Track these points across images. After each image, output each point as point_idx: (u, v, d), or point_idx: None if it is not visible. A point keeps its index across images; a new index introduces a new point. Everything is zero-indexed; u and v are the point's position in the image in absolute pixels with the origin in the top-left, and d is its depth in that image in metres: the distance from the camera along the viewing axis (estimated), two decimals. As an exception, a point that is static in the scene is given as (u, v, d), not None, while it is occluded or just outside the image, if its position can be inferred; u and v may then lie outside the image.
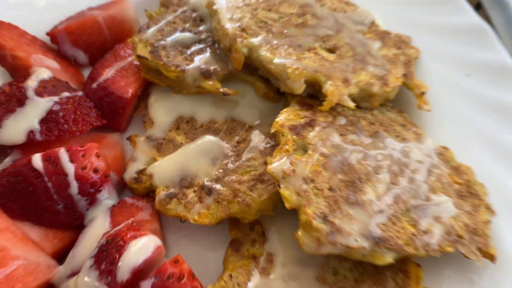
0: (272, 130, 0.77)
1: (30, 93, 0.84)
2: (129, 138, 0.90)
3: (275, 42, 0.87)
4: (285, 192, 0.68)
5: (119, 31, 1.01)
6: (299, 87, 0.81)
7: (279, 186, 0.69)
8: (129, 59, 0.95)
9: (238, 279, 0.73)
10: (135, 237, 0.72)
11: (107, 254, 0.70)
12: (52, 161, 0.77)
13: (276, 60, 0.83)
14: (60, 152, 0.77)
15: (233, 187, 0.78)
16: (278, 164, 0.70)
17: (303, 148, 0.74)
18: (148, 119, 0.91)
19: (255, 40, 0.86)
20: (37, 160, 0.76)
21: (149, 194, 0.84)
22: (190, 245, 0.83)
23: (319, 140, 0.75)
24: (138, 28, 1.03)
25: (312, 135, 0.75)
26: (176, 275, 0.69)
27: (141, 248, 0.70)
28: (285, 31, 0.90)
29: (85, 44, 0.98)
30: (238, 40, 0.86)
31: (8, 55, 0.91)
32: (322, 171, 0.71)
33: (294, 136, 0.74)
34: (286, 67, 0.81)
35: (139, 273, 0.70)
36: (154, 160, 0.85)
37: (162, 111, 0.91)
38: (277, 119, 0.77)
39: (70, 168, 0.77)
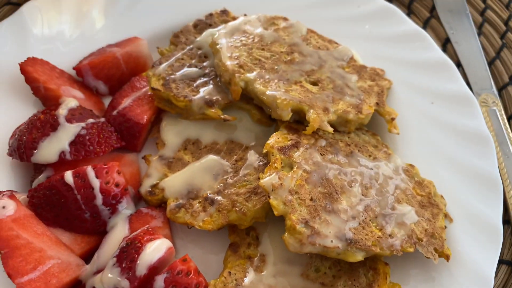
0: (264, 151, 0.92)
1: (61, 119, 0.99)
2: (144, 157, 1.06)
3: (267, 76, 1.03)
4: (274, 202, 0.83)
5: (135, 65, 1.17)
6: (287, 115, 0.96)
7: (269, 197, 0.84)
8: (144, 89, 1.11)
9: (236, 276, 0.87)
10: (150, 240, 0.86)
11: (127, 254, 0.85)
12: (81, 177, 0.92)
13: (268, 92, 0.99)
14: (87, 170, 0.92)
15: (232, 199, 0.93)
16: (268, 179, 0.85)
17: (289, 166, 0.89)
18: (160, 141, 1.07)
19: (251, 75, 1.02)
20: (68, 176, 0.92)
21: (161, 205, 0.99)
22: (195, 248, 0.97)
23: (303, 159, 0.90)
24: (151, 63, 1.19)
25: (297, 154, 0.91)
26: (184, 271, 0.84)
27: (155, 249, 0.85)
28: (276, 67, 1.06)
29: (106, 76, 1.15)
30: (236, 75, 1.02)
31: (41, 87, 1.08)
32: (305, 185, 0.86)
33: (282, 156, 0.90)
34: (276, 98, 0.97)
35: (154, 269, 0.84)
36: (165, 176, 1.00)
37: (172, 134, 1.06)
38: (268, 141, 0.93)
39: (96, 183, 0.92)
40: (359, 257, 0.81)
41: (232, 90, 1.03)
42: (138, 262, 0.83)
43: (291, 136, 0.95)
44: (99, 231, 0.95)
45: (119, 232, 0.94)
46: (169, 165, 1.02)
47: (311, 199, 0.85)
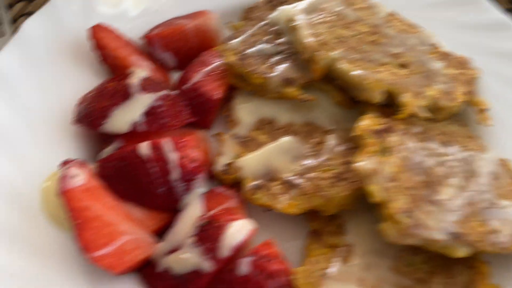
0: (355, 134, 0.85)
1: (134, 89, 0.93)
2: (216, 135, 1.00)
3: (351, 56, 0.97)
4: (372, 188, 0.76)
5: (203, 39, 1.11)
6: (376, 97, 0.90)
7: (365, 182, 0.78)
8: (215, 65, 1.05)
9: (321, 265, 0.81)
10: (232, 220, 0.80)
11: (208, 233, 0.79)
12: (156, 149, 0.86)
13: (355, 72, 0.92)
14: (163, 142, 0.86)
15: (315, 183, 0.87)
16: (364, 163, 0.79)
17: (384, 151, 0.83)
18: (232, 119, 1.01)
19: (334, 53, 0.96)
20: (143, 148, 0.86)
21: (235, 185, 0.93)
22: (268, 234, 0.89)
23: (398, 145, 0.83)
24: (220, 37, 1.13)
25: (391, 140, 0.84)
26: (269, 256, 0.78)
27: (240, 229, 0.79)
28: (360, 47, 1.00)
29: (174, 49, 1.09)
30: (318, 53, 0.96)
31: (110, 55, 1.02)
32: (402, 172, 0.80)
33: (376, 140, 0.83)
34: (365, 79, 0.91)
35: (237, 251, 0.78)
36: (239, 155, 0.94)
37: (246, 112, 1.00)
38: (359, 124, 0.86)
39: (172, 157, 0.86)
40: (462, 252, 0.75)
41: (314, 68, 0.96)
42: (221, 242, 0.77)
43: (382, 120, 0.88)
44: (171, 209, 0.89)
45: (193, 210, 0.87)
46: (243, 144, 0.96)
47: (410, 188, 0.78)
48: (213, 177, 0.96)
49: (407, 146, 0.84)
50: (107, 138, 0.96)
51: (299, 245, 0.90)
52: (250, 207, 0.92)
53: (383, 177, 0.77)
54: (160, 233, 0.88)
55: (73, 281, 0.83)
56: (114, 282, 0.84)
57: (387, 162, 0.79)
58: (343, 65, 0.94)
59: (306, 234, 0.89)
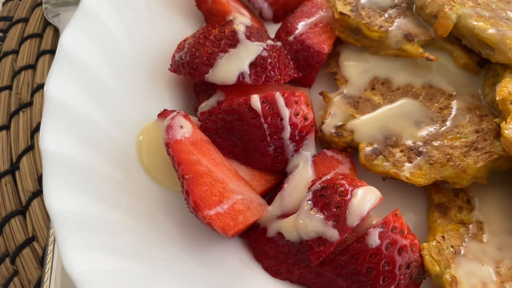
0: (498, 98, 0.75)
1: (241, 36, 0.84)
2: (321, 94, 0.91)
3: (483, 13, 0.86)
4: (527, 158, 0.67)
5: (304, -11, 1.01)
6: (520, 59, 0.79)
7: (518, 152, 0.68)
8: (319, 16, 0.95)
9: (451, 242, 0.73)
10: (355, 186, 0.72)
11: (329, 199, 0.71)
12: (269, 103, 0.78)
13: (492, 30, 0.81)
14: (276, 96, 0.78)
15: (445, 152, 0.78)
16: (515, 131, 0.69)
17: (532, 119, 0.73)
18: (340, 77, 0.91)
19: (465, 9, 0.85)
20: (255, 100, 0.77)
21: (347, 149, 0.85)
22: (383, 206, 0.82)
23: (548, 113, 0.73)
24: (320, -12, 1.03)
25: (540, 107, 0.74)
26: (399, 228, 0.69)
27: (367, 196, 0.70)
28: (489, 4, 0.88)
29: (273, -3, 0.99)
30: (446, 7, 0.85)
31: (209, -2, 0.93)
32: (557, 144, 0.70)
33: (523, 106, 0.73)
34: (505, 37, 0.80)
35: (363, 220, 0.70)
36: (351, 117, 0.85)
37: (356, 70, 0.90)
38: (502, 88, 0.76)
39: (285, 113, 0.78)
40: None
41: (440, 24, 0.85)
42: (349, 210, 0.69)
43: (526, 85, 0.78)
44: (278, 170, 0.81)
45: (302, 173, 0.80)
46: (355, 106, 0.87)
47: None
48: (317, 139, 0.88)
49: (559, 116, 0.74)
50: (201, 92, 0.89)
51: (413, 218, 0.82)
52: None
53: (539, 148, 0.68)
54: (264, 196, 0.81)
55: (168, 238, 0.77)
56: (210, 244, 0.78)
57: (542, 132, 0.69)
58: (477, 22, 0.83)
59: (425, 207, 0.81)
